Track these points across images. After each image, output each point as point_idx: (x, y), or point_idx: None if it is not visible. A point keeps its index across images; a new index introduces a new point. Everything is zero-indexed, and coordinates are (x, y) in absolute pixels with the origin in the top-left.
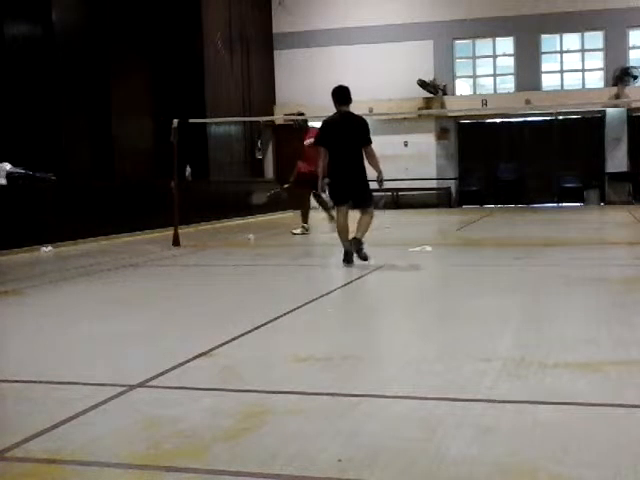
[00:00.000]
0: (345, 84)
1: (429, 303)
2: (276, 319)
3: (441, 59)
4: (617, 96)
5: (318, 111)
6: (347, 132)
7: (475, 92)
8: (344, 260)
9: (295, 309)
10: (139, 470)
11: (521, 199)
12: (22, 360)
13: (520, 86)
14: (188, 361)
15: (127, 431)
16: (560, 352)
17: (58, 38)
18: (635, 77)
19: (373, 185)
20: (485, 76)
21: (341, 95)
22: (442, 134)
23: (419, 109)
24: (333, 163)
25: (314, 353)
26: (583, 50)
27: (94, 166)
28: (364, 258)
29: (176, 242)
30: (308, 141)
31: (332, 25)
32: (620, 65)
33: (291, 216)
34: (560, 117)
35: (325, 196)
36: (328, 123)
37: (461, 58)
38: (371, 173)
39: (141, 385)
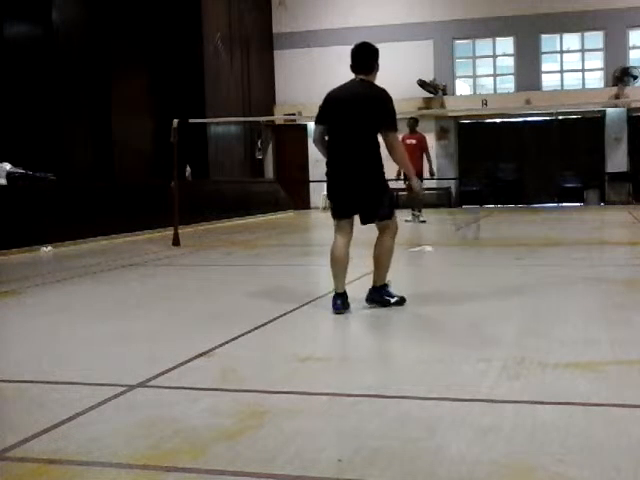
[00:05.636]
0: (367, 44)
1: (429, 303)
2: (276, 319)
3: (441, 59)
4: (617, 96)
5: (317, 111)
6: (350, 110)
7: (475, 92)
8: (333, 305)
9: (295, 309)
10: (139, 470)
11: (521, 199)
12: (22, 360)
13: (520, 86)
14: (188, 361)
15: (127, 431)
16: (560, 352)
17: (58, 38)
18: (635, 77)
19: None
20: (485, 76)
21: (354, 58)
22: (442, 134)
23: (419, 109)
24: (330, 154)
25: (314, 353)
26: (583, 50)
27: (94, 166)
28: (385, 303)
29: (176, 242)
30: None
31: (332, 25)
32: (620, 65)
33: (291, 216)
34: (560, 117)
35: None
36: (328, 96)
37: (461, 58)
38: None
39: (141, 385)
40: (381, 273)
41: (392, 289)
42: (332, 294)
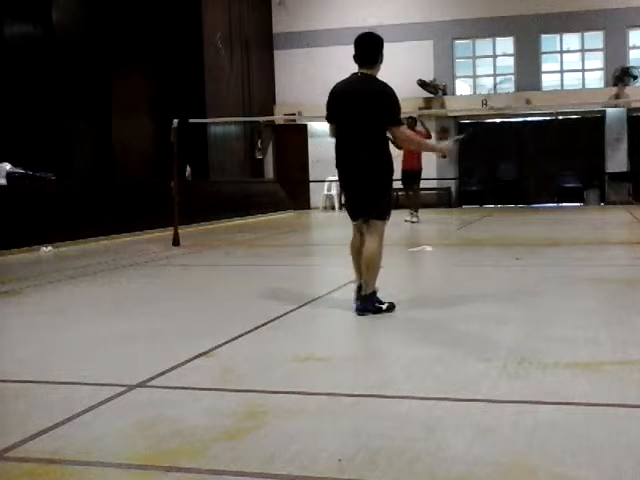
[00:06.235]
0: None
1: (428, 303)
2: (276, 319)
3: (441, 59)
4: (617, 96)
5: (318, 111)
6: (352, 107)
7: (475, 92)
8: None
9: (295, 309)
10: (139, 470)
11: (521, 199)
12: (22, 360)
13: (520, 86)
14: (188, 361)
15: (127, 431)
16: (560, 352)
17: (58, 38)
18: (635, 77)
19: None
20: (485, 76)
21: (357, 49)
22: (442, 134)
23: (419, 109)
24: (336, 153)
25: (314, 353)
26: (583, 50)
27: (94, 166)
28: (378, 310)
29: (176, 242)
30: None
31: (332, 25)
32: (620, 65)
33: (291, 216)
34: (560, 117)
35: None
36: (332, 91)
37: (461, 58)
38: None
39: (141, 385)
40: (370, 280)
41: (379, 295)
42: (332, 294)
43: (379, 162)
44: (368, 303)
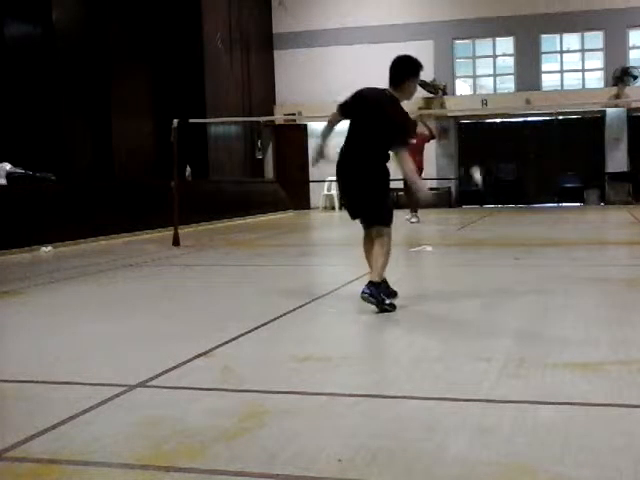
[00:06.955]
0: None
1: (428, 303)
2: (276, 319)
3: (441, 59)
4: (617, 96)
5: (317, 111)
6: (371, 118)
7: (475, 92)
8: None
9: (295, 309)
10: (139, 470)
11: (521, 199)
12: (22, 360)
13: (520, 86)
14: (188, 361)
15: (127, 431)
16: (560, 352)
17: (58, 38)
18: (635, 77)
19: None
20: (485, 76)
21: (390, 70)
22: (442, 134)
23: (419, 109)
24: (345, 149)
25: (313, 353)
26: (583, 50)
27: (94, 166)
28: (381, 302)
29: (176, 242)
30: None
31: (332, 25)
32: (620, 65)
33: (291, 216)
34: (560, 117)
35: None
36: (360, 93)
37: (461, 58)
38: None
39: (141, 385)
40: (378, 271)
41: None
42: (332, 294)
43: (380, 172)
44: (374, 289)
